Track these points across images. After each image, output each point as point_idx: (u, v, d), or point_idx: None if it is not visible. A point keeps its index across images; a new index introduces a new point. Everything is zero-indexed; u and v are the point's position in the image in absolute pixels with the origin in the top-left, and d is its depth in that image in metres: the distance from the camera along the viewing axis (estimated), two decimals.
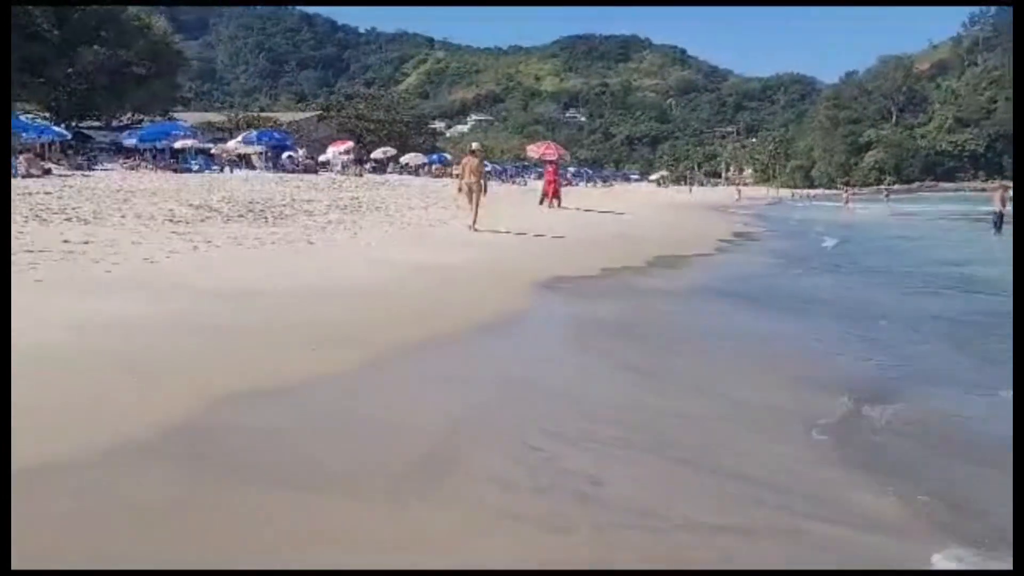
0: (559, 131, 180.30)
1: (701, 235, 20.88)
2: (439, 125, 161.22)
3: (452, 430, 4.35)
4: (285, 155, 43.58)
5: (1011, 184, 26.38)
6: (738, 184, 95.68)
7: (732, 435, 4.55)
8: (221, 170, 36.59)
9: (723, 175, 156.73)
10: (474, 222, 15.81)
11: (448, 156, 73.67)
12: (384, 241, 13.57)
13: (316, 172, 40.60)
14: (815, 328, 8.02)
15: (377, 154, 57.62)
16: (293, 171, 38.01)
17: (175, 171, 31.87)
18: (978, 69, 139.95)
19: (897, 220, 35.36)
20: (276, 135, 45.68)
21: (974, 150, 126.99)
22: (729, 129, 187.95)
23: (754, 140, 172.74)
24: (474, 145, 17.65)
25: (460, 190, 16.47)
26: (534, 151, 34.70)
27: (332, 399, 4.88)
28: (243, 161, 41.55)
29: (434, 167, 62.21)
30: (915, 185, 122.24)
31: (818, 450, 4.30)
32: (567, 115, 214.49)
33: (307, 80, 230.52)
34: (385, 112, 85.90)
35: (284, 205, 17.34)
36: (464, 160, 17.06)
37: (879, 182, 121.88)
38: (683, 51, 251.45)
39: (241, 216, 15.07)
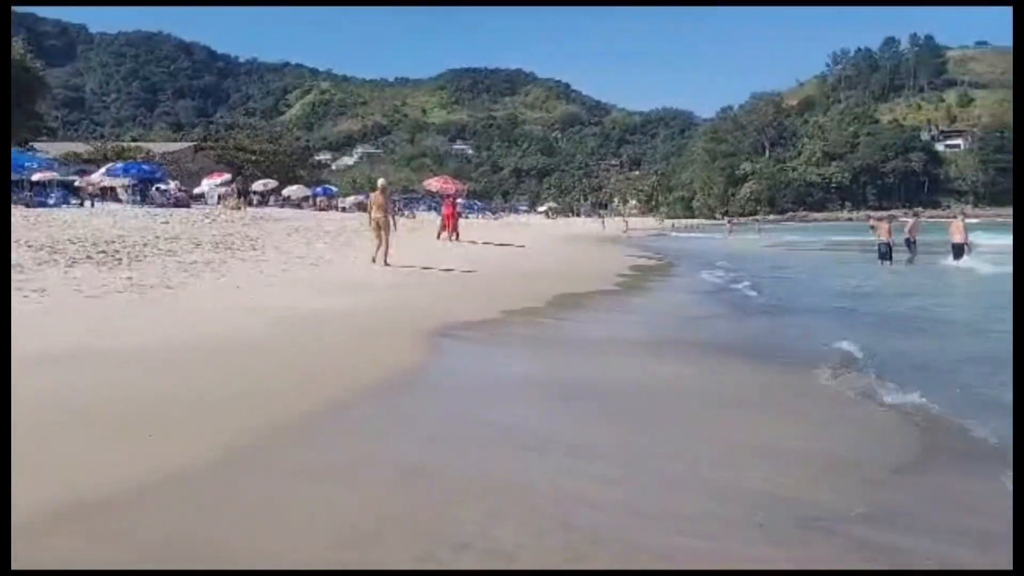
0: (447, 163, 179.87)
1: (599, 269, 20.19)
2: (325, 157, 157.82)
3: (332, 552, 3.21)
4: (155, 188, 40.72)
5: (905, 214, 26.76)
6: (624, 216, 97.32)
7: (695, 538, 3.52)
8: (81, 204, 33.65)
9: (608, 206, 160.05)
10: (385, 257, 15.94)
11: (334, 188, 71.49)
12: (258, 284, 12.09)
13: (189, 206, 38.03)
14: (755, 379, 7.15)
15: (257, 186, 54.85)
16: (163, 205, 35.36)
17: (27, 205, 28.95)
18: (841, 106, 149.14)
19: (783, 251, 35.98)
20: (144, 167, 42.63)
21: (840, 182, 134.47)
22: (613, 162, 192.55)
23: (637, 172, 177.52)
24: (380, 182, 17.68)
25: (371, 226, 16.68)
26: (433, 185, 34.30)
27: (171, 515, 3.57)
28: (108, 195, 38.56)
29: (319, 200, 60.02)
30: (788, 215, 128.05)
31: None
32: (455, 147, 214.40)
33: (184, 110, 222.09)
34: (267, 143, 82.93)
35: (145, 244, 15.51)
36: (371, 196, 17.48)
37: (755, 212, 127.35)
38: (567, 85, 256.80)
39: (90, 257, 13.19)
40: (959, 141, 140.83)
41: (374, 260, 15.77)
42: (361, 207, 61.72)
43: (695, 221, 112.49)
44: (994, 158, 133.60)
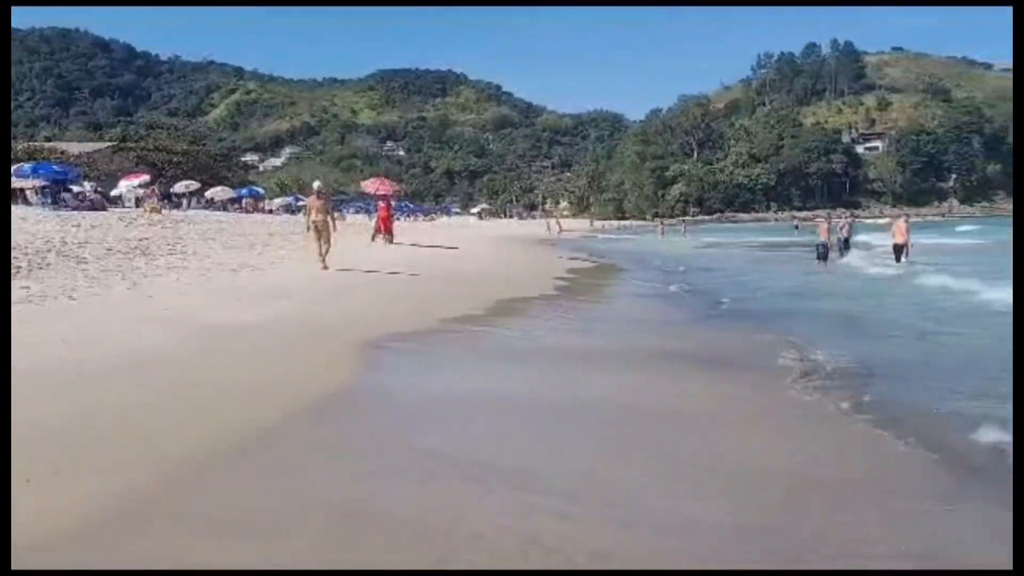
0: (377, 165, 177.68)
1: (537, 273, 19.71)
2: (251, 158, 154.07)
3: None
4: (68, 189, 38.60)
5: (837, 214, 26.95)
6: (557, 217, 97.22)
7: None
8: None
9: (540, 208, 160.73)
10: (324, 260, 15.78)
11: (260, 190, 69.46)
12: (174, 293, 11.20)
13: (105, 208, 36.15)
14: (717, 390, 6.68)
15: (179, 188, 52.69)
16: (77, 208, 33.41)
17: None
18: (766, 109, 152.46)
19: (718, 252, 35.78)
20: (55, 167, 40.27)
21: (766, 183, 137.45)
22: (545, 163, 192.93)
23: (569, 174, 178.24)
24: (316, 184, 17.55)
25: (308, 229, 16.46)
26: (369, 187, 33.51)
27: None
28: (17, 197, 36.37)
29: (245, 202, 58.08)
30: (716, 216, 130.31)
31: None
32: (385, 149, 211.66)
33: (102, 109, 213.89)
34: (189, 144, 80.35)
35: (49, 250, 14.34)
36: (308, 200, 17.40)
37: (684, 213, 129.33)
38: (499, 87, 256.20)
39: None
40: (878, 143, 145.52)
41: (325, 266, 15.68)
42: (290, 210, 60.19)
43: (627, 222, 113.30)
44: (910, 159, 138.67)
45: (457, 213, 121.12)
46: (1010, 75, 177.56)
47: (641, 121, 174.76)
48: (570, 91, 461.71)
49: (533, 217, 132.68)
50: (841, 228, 23.54)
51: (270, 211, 57.22)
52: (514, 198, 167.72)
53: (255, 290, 11.97)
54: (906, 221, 21.71)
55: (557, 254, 31.05)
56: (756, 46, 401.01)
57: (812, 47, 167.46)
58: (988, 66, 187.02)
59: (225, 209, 51.28)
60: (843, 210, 56.99)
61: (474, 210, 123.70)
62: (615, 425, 5.51)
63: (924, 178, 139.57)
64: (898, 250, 20.95)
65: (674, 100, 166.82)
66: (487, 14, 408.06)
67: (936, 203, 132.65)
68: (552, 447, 5.02)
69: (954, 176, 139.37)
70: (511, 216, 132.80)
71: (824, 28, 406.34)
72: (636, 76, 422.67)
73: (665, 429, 5.45)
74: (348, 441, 5.01)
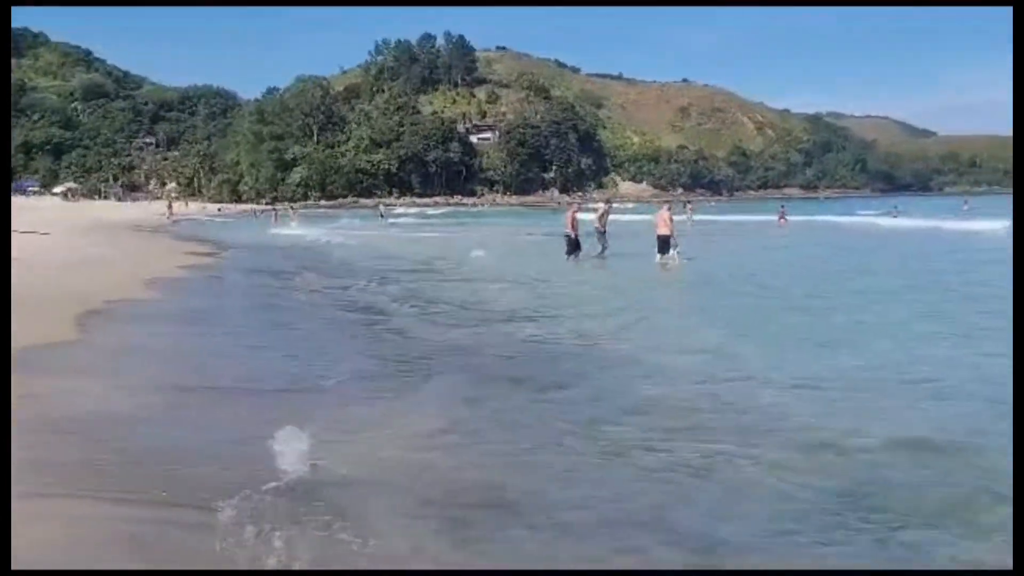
0: None
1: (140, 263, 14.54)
2: None
3: None
4: None
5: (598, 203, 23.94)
6: (169, 199, 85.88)
7: None
8: None
9: (144, 189, 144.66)
10: None
11: None
12: None
13: None
14: None
15: None
16: None
17: None
18: (386, 95, 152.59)
19: (391, 243, 31.39)
20: None
21: (388, 169, 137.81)
22: (148, 140, 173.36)
23: (176, 153, 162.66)
24: None
25: None
26: None
27: None
28: None
29: None
30: (338, 201, 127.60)
31: None
32: None
33: None
34: None
35: None
36: None
37: (306, 197, 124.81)
38: (88, 51, 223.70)
39: None
40: (489, 135, 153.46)
41: None
42: None
43: (250, 206, 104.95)
44: (517, 151, 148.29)
45: (36, 193, 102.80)
46: (594, 80, 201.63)
47: (257, 100, 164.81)
48: (174, 62, 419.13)
49: (135, 199, 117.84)
50: (598, 218, 20.58)
51: None
52: (111, 177, 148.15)
53: None
54: (669, 210, 19.25)
55: (171, 246, 25.37)
56: (374, 33, 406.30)
57: (428, 37, 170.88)
58: (576, 69, 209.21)
59: None
60: (601, 192, 55.25)
61: (58, 189, 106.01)
62: None
63: (529, 168, 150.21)
64: (663, 241, 18.58)
65: (291, 80, 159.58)
66: None
67: (540, 192, 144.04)
68: None
69: (555, 167, 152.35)
70: (108, 197, 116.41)
71: (438, 22, 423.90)
72: (249, 52, 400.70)
73: None
74: None
